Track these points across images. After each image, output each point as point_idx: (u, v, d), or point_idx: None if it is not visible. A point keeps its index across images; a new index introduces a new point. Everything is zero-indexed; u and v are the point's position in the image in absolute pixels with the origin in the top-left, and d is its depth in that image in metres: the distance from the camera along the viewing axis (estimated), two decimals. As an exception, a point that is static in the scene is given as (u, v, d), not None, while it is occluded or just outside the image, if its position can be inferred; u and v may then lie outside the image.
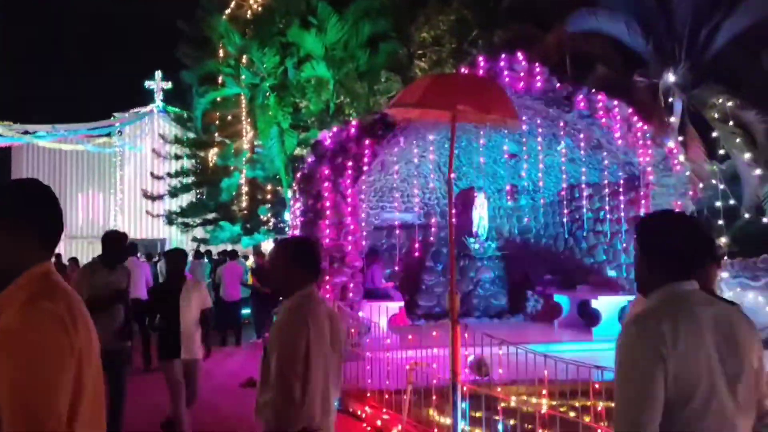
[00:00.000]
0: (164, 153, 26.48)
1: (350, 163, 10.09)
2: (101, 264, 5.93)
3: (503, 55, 10.61)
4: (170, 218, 23.61)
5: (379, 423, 6.84)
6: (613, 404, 2.12)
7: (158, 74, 32.66)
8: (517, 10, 17.67)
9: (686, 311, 2.07)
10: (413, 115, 6.54)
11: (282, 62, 18.61)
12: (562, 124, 11.28)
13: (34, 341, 1.68)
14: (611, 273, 12.33)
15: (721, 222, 13.59)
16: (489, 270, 13.63)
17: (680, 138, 14.22)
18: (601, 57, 15.47)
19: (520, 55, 10.62)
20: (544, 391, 5.75)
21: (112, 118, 33.25)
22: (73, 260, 17.49)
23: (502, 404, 5.96)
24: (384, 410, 6.90)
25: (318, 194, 10.13)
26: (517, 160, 13.35)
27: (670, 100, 15.16)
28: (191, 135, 23.18)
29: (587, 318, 11.70)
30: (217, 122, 21.94)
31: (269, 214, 20.67)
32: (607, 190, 12.42)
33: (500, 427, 5.94)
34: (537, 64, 10.72)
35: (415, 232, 14.23)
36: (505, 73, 10.41)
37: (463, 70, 11.02)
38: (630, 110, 11.26)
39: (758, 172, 14.10)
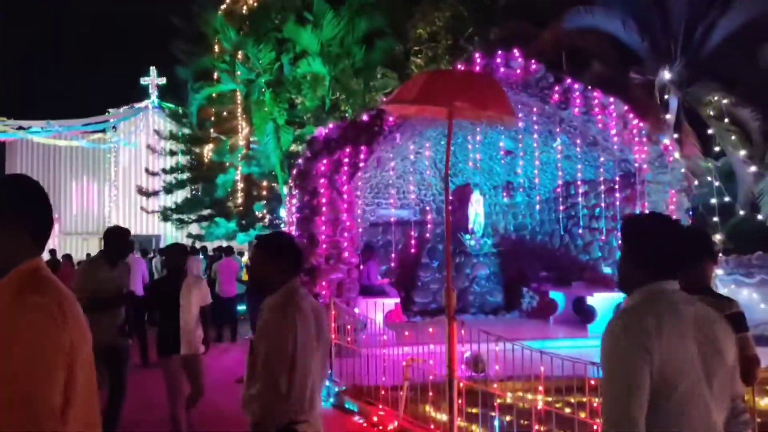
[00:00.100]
0: (159, 149, 26.41)
1: (346, 160, 10.08)
2: (103, 260, 5.88)
3: (499, 52, 10.61)
4: (165, 214, 23.57)
5: (375, 419, 6.84)
6: None
7: (153, 70, 32.58)
8: (513, 6, 17.69)
9: (669, 308, 2.14)
10: (410, 111, 6.54)
11: (277, 58, 18.58)
12: (558, 120, 11.29)
13: (24, 335, 1.68)
14: (606, 270, 12.36)
15: (716, 219, 13.63)
16: (485, 267, 13.65)
17: (676, 135, 14.25)
18: (597, 54, 15.48)
19: (516, 52, 10.62)
20: (540, 388, 5.76)
21: (107, 113, 33.16)
22: (67, 257, 17.41)
23: (498, 400, 5.97)
24: (380, 406, 6.91)
25: (314, 190, 10.13)
26: (513, 157, 13.36)
27: (666, 97, 15.19)
28: (186, 131, 23.14)
29: (582, 315, 11.72)
30: (212, 118, 21.91)
31: (264, 211, 20.65)
32: (602, 187, 12.44)
33: (496, 423, 5.95)
34: (533, 61, 10.73)
35: (411, 229, 14.24)
36: (502, 69, 10.41)
37: (459, 66, 11.01)
38: (626, 107, 11.27)
39: (753, 169, 14.14)
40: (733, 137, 14.41)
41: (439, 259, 13.80)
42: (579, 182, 12.99)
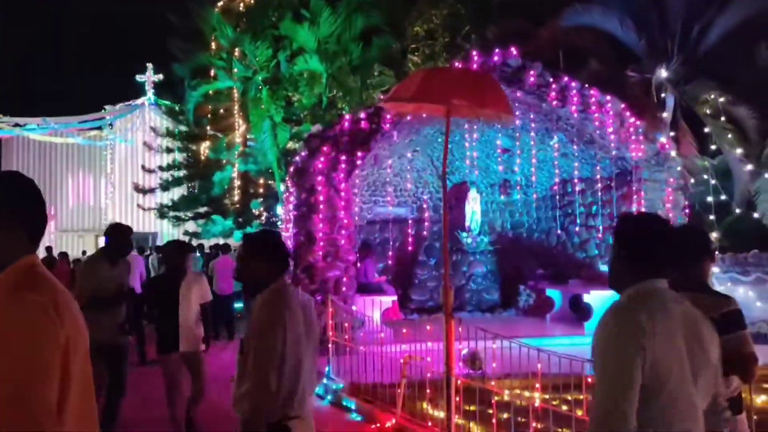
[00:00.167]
0: (156, 146, 26.36)
1: (343, 157, 10.08)
2: (104, 258, 5.85)
3: (497, 50, 10.61)
4: (162, 212, 23.53)
5: (373, 416, 6.85)
6: None
7: (149, 67, 32.47)
8: (510, 4, 17.68)
9: (660, 306, 2.19)
10: (408, 109, 6.54)
11: (274, 55, 18.57)
12: (555, 118, 11.29)
13: (19, 333, 1.68)
14: (603, 268, 12.37)
15: (712, 217, 13.66)
16: (481, 264, 13.66)
17: (672, 133, 14.28)
18: (595, 52, 15.50)
19: (513, 50, 10.61)
20: (537, 385, 5.77)
21: (103, 111, 33.07)
22: (63, 255, 17.36)
23: (496, 398, 5.98)
24: (378, 404, 6.91)
25: (311, 188, 10.12)
26: (510, 155, 13.37)
27: (663, 95, 15.22)
28: (183, 128, 23.08)
29: (579, 312, 11.74)
30: (209, 115, 21.87)
31: (261, 208, 20.64)
32: (599, 184, 12.46)
33: (494, 420, 5.96)
34: (530, 59, 10.73)
35: (408, 227, 14.25)
36: (498, 67, 10.40)
37: (456, 64, 11.01)
38: (623, 105, 11.28)
39: (749, 167, 14.18)
40: (729, 136, 14.46)
41: (436, 256, 13.81)
42: (576, 180, 13.01)
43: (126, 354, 5.90)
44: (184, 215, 22.98)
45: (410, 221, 14.32)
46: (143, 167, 28.06)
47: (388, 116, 10.03)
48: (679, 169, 12.13)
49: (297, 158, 11.31)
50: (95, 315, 5.47)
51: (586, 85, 11.20)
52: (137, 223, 31.49)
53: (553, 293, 12.61)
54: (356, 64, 18.26)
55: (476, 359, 7.51)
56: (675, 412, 2.11)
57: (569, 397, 5.70)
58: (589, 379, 5.64)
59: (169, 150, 24.48)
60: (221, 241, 18.53)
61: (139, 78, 32.62)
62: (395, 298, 11.68)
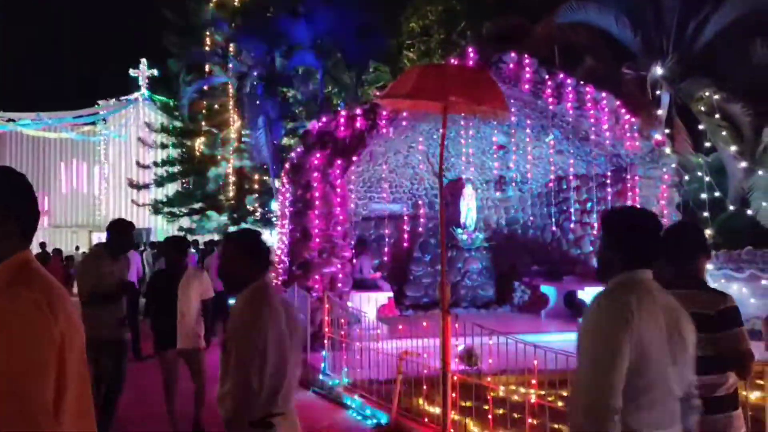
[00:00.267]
0: (150, 142, 26.29)
1: (339, 161, 10.06)
2: (105, 253, 5.82)
3: (492, 47, 10.62)
4: (156, 207, 23.49)
5: (369, 412, 6.86)
6: None
7: (143, 62, 32.32)
8: (506, 1, 17.69)
9: (646, 293, 2.33)
10: (404, 106, 6.54)
11: (270, 51, 18.52)
12: (550, 115, 11.31)
13: (14, 330, 1.66)
14: (598, 264, 12.40)
15: (706, 214, 13.71)
16: (476, 261, 13.68)
17: (667, 131, 14.30)
18: (590, 49, 15.52)
19: (510, 51, 10.62)
20: (534, 381, 5.79)
21: (96, 106, 32.93)
22: (57, 251, 17.32)
23: (492, 394, 6.00)
24: (374, 399, 6.92)
25: (307, 184, 10.11)
26: (506, 152, 13.38)
27: (658, 92, 15.25)
28: (178, 124, 23.04)
29: (574, 308, 11.78)
30: (204, 111, 21.83)
31: (256, 204, 20.63)
32: (594, 181, 12.49)
33: (490, 416, 5.98)
34: (526, 56, 10.74)
35: (403, 223, 14.25)
36: (494, 64, 10.41)
37: (452, 60, 11.01)
38: (618, 102, 11.31)
39: (744, 164, 14.22)
40: (723, 133, 14.49)
41: (431, 253, 13.82)
42: (571, 177, 13.03)
43: (126, 349, 5.89)
44: (178, 211, 22.95)
45: (405, 218, 14.32)
46: (137, 163, 27.98)
47: (384, 113, 10.02)
48: (673, 166, 12.17)
49: (293, 154, 11.30)
50: (97, 310, 5.46)
51: (582, 82, 11.22)
52: (131, 218, 31.36)
53: (548, 290, 12.65)
54: (351, 60, 18.24)
55: (472, 355, 7.52)
56: (655, 394, 2.22)
57: (565, 393, 5.72)
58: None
59: (163, 146, 24.42)
60: (216, 237, 18.50)
61: (132, 73, 32.48)
62: (391, 294, 11.70)
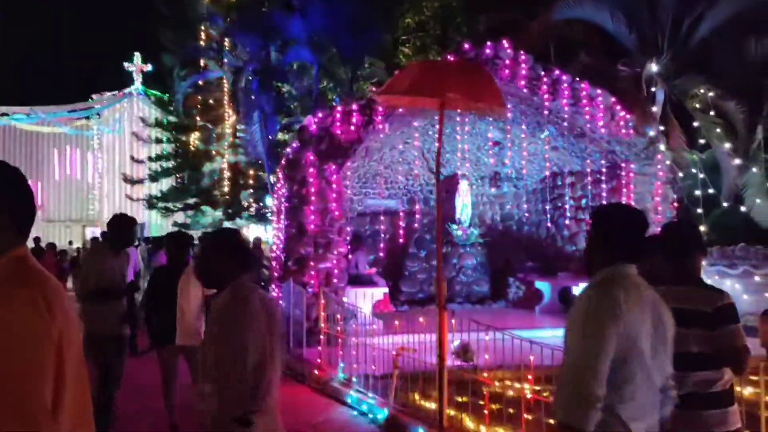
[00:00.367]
0: (144, 136, 26.21)
1: (335, 149, 10.06)
2: (107, 248, 5.79)
3: (488, 43, 10.62)
4: (151, 202, 23.43)
5: (365, 408, 6.88)
6: None
7: (137, 56, 32.16)
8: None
9: (633, 286, 2.40)
10: (402, 102, 6.55)
11: (265, 46, 18.47)
12: (546, 112, 11.33)
13: (10, 329, 1.63)
14: (592, 260, 12.43)
15: (700, 210, 13.77)
16: (471, 257, 13.70)
17: (662, 127, 14.33)
18: (585, 45, 15.54)
19: (505, 42, 10.63)
20: (530, 377, 5.82)
21: (90, 100, 32.78)
22: (51, 245, 17.27)
23: (487, 389, 6.03)
24: (370, 395, 6.95)
25: (303, 180, 10.10)
26: (501, 148, 13.40)
27: (653, 89, 15.29)
28: (172, 118, 22.96)
29: (568, 304, 11.80)
30: (198, 106, 21.77)
31: (251, 200, 20.61)
32: (589, 178, 12.53)
33: (485, 411, 6.01)
34: (522, 52, 10.75)
35: (399, 219, 14.26)
36: (490, 60, 10.42)
37: (450, 57, 11.01)
38: (613, 99, 11.34)
39: (737, 161, 14.28)
40: (718, 130, 14.55)
41: (426, 249, 13.84)
42: (566, 173, 13.06)
43: (126, 345, 5.88)
44: (173, 206, 22.89)
45: (401, 213, 14.32)
46: (132, 157, 27.89)
47: (380, 108, 10.02)
48: (668, 162, 12.23)
49: (288, 150, 11.28)
50: (99, 306, 5.44)
51: (577, 79, 11.25)
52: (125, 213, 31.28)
53: (543, 285, 12.69)
54: (347, 55, 18.21)
55: (467, 351, 7.55)
56: (637, 384, 2.29)
57: (560, 389, 5.73)
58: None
59: (158, 140, 24.34)
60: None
61: (126, 67, 32.33)
62: (386, 290, 11.71)
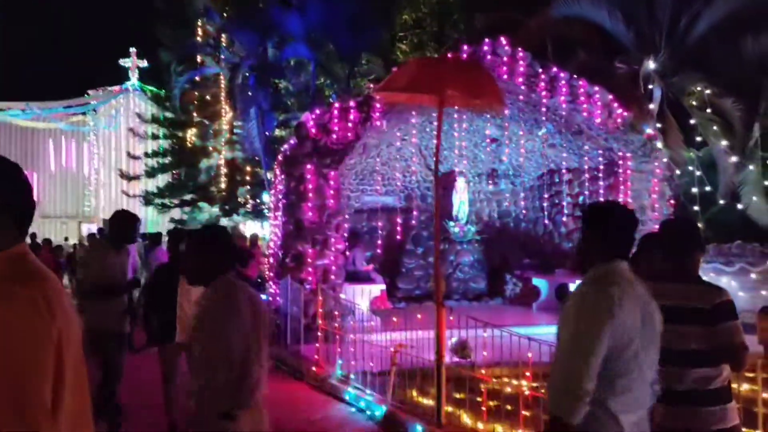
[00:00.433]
0: (141, 132, 26.14)
1: (333, 146, 10.05)
2: (109, 244, 5.75)
3: (486, 40, 10.62)
4: (147, 198, 23.38)
5: (362, 404, 6.89)
6: None
7: (133, 51, 32.05)
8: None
9: (627, 283, 2.47)
10: (401, 98, 6.55)
11: (262, 42, 18.43)
12: (543, 109, 11.34)
13: (11, 328, 1.62)
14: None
15: (696, 208, 13.80)
16: (468, 253, 13.71)
17: (659, 125, 14.36)
18: (583, 43, 15.54)
19: (503, 40, 10.63)
20: (528, 373, 5.83)
21: (86, 96, 32.68)
22: (47, 241, 17.26)
23: (485, 386, 6.03)
24: (368, 392, 6.95)
25: (300, 177, 10.10)
26: (498, 145, 13.40)
27: (650, 87, 15.30)
28: (169, 115, 22.89)
29: (565, 301, 11.82)
30: (195, 102, 21.72)
31: (248, 196, 20.59)
32: (586, 175, 12.54)
33: (483, 408, 6.02)
34: (520, 49, 10.75)
35: (396, 216, 14.25)
36: (488, 57, 10.43)
37: (448, 55, 11.02)
38: (610, 96, 11.35)
39: (734, 159, 14.31)
40: (715, 127, 14.58)
41: (423, 245, 13.84)
42: (563, 170, 13.08)
43: (126, 342, 5.86)
44: (169, 202, 22.84)
45: (398, 210, 14.33)
46: (128, 153, 27.82)
47: (378, 105, 10.02)
48: (665, 160, 12.25)
49: (286, 146, 11.27)
50: (101, 303, 5.42)
51: (575, 76, 11.26)
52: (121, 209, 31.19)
53: (540, 282, 12.71)
54: (344, 52, 18.18)
55: (465, 348, 7.56)
56: (630, 378, 2.37)
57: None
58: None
59: (154, 136, 24.28)
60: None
61: (122, 63, 32.22)
62: (383, 286, 11.72)
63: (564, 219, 13.23)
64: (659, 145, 12.12)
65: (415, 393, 6.70)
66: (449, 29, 19.90)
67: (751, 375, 5.22)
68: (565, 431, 2.28)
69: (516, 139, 12.68)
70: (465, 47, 10.48)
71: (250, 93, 18.16)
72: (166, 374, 5.88)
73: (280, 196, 10.85)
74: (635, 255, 4.15)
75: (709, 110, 14.64)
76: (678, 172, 13.95)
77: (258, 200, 20.35)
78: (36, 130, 32.24)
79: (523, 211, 14.65)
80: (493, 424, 5.77)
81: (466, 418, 5.99)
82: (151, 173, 23.52)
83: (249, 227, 21.18)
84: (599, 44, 15.69)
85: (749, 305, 10.50)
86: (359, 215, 14.13)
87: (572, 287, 11.48)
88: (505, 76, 10.48)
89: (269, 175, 16.05)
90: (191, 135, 22.05)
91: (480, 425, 5.82)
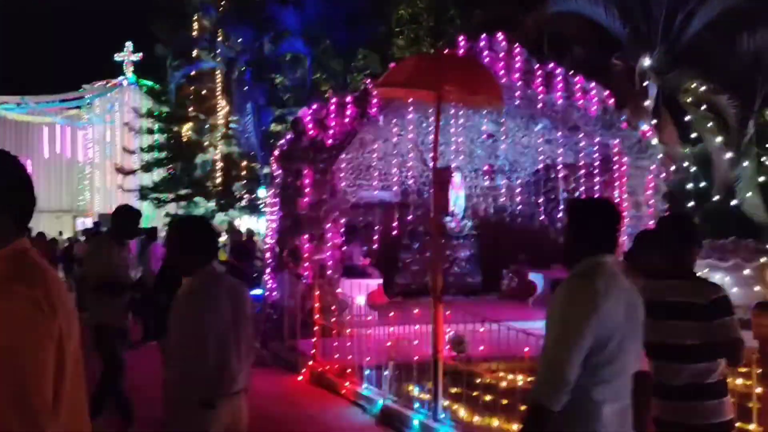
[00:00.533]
0: (136, 127, 26.08)
1: (330, 141, 10.06)
2: (112, 240, 5.73)
3: (483, 35, 10.64)
4: (143, 193, 23.35)
5: (360, 398, 6.92)
6: None
7: (128, 45, 31.90)
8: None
9: (612, 276, 2.51)
10: (399, 94, 6.57)
11: (258, 37, 18.41)
12: (540, 105, 11.37)
13: (12, 329, 1.60)
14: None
15: (691, 204, 13.86)
16: (464, 248, 13.73)
17: (654, 121, 14.41)
18: (579, 39, 15.56)
19: (500, 36, 10.65)
20: (524, 368, 5.87)
21: (81, 90, 32.55)
22: (40, 235, 17.26)
23: (482, 380, 6.07)
24: (365, 386, 6.99)
25: (297, 171, 10.10)
26: (495, 140, 13.43)
27: (645, 83, 15.33)
28: (165, 109, 22.85)
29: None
30: (191, 96, 21.69)
31: (244, 191, 20.58)
32: (582, 171, 12.58)
33: (480, 402, 6.06)
34: (516, 45, 10.78)
35: (393, 211, 14.26)
36: (485, 53, 10.45)
37: (446, 51, 11.03)
38: (606, 93, 11.39)
39: (729, 155, 14.38)
40: (710, 124, 14.64)
41: (419, 240, 13.85)
42: (559, 166, 13.12)
43: (127, 337, 5.87)
44: (165, 197, 22.82)
45: (395, 205, 14.33)
46: (124, 148, 27.76)
47: (375, 100, 10.03)
48: (660, 156, 12.29)
49: (282, 141, 11.28)
50: (105, 299, 5.42)
51: (571, 72, 11.29)
52: (117, 204, 31.12)
53: (536, 277, 12.74)
54: (340, 47, 18.16)
55: (461, 342, 7.59)
56: (615, 368, 2.41)
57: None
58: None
59: (150, 131, 24.24)
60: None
61: (117, 57, 32.08)
62: (380, 281, 11.74)
63: (560, 215, 13.26)
64: (654, 141, 12.17)
65: (411, 387, 6.74)
66: (445, 25, 19.90)
67: (745, 370, 5.25)
68: (545, 417, 2.34)
69: (512, 134, 12.70)
70: (462, 42, 10.48)
71: (246, 88, 18.15)
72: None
73: (277, 191, 10.86)
74: (632, 251, 4.21)
75: (704, 107, 14.71)
76: (673, 168, 14.02)
77: (254, 195, 20.35)
78: (31, 123, 32.12)
79: (519, 207, 14.68)
80: (489, 417, 5.81)
81: (462, 412, 6.03)
82: (146, 168, 23.48)
83: (245, 222, 21.18)
84: (595, 41, 15.73)
85: (743, 301, 10.55)
86: (356, 210, 14.11)
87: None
88: (502, 72, 10.50)
89: (265, 170, 16.05)
90: (187, 130, 22.04)
91: (476, 419, 5.86)
